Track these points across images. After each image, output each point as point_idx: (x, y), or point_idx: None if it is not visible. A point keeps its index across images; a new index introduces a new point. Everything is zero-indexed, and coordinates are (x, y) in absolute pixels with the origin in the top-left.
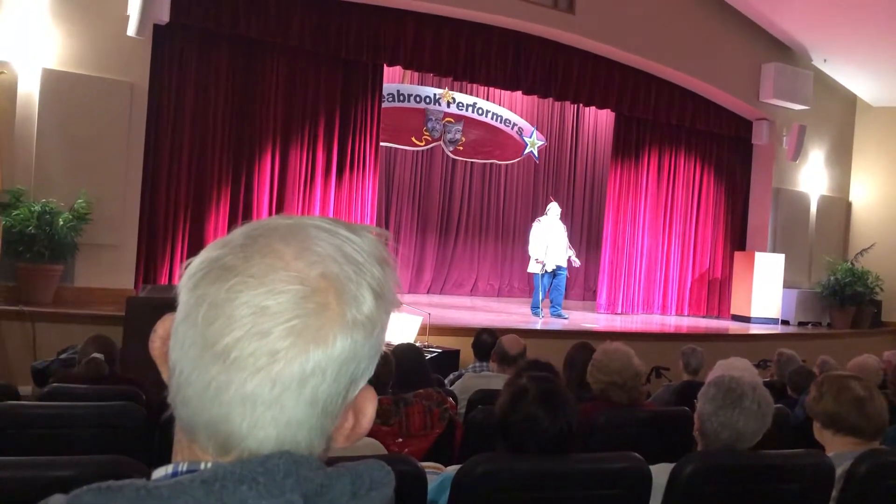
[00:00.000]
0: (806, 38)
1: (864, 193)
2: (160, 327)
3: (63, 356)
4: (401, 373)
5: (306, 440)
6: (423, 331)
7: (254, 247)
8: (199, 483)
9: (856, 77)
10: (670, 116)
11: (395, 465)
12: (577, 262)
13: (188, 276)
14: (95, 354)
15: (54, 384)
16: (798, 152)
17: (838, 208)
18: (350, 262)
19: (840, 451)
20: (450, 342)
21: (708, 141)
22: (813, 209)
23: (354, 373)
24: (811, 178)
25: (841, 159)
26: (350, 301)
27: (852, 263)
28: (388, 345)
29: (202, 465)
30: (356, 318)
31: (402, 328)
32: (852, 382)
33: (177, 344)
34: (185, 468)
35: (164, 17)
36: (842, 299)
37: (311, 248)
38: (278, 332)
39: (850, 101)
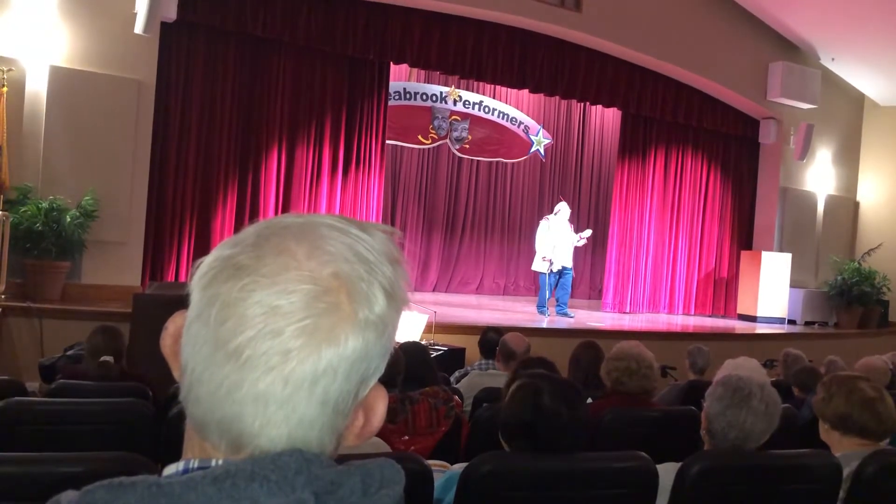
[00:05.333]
0: (813, 36)
1: (872, 193)
2: (171, 325)
3: (70, 352)
4: (406, 371)
5: (317, 439)
6: (428, 329)
7: (266, 246)
8: (210, 480)
9: (864, 76)
10: (677, 115)
11: (402, 464)
12: (583, 240)
13: (200, 275)
14: (105, 358)
15: (62, 380)
16: (805, 151)
17: (845, 208)
18: (362, 262)
19: (847, 451)
20: (455, 340)
21: (715, 140)
22: (820, 208)
23: (365, 372)
24: (818, 177)
25: (848, 159)
26: (362, 300)
27: (859, 263)
28: (395, 343)
29: (213, 463)
30: (368, 317)
31: (408, 326)
32: (861, 383)
33: (189, 342)
34: (196, 465)
35: (171, 14)
36: (849, 299)
37: (323, 247)
38: (290, 331)
39: (857, 101)
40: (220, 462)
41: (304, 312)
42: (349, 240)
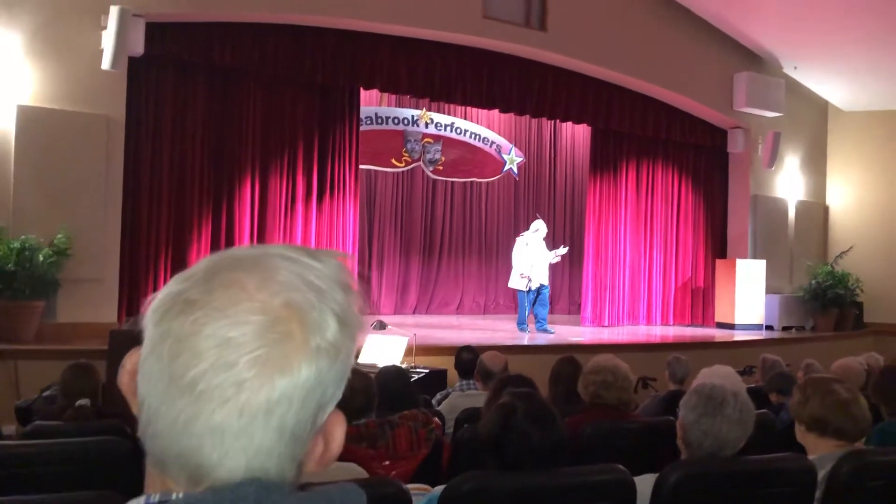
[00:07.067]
0: (775, 46)
1: (841, 197)
2: (128, 361)
3: (46, 393)
4: (386, 396)
5: (276, 467)
6: (409, 352)
7: (216, 279)
8: None
9: (826, 83)
10: (646, 129)
11: (380, 488)
12: (557, 258)
13: (152, 311)
14: (81, 401)
15: (37, 422)
16: (774, 159)
17: (816, 212)
18: (313, 290)
19: (823, 453)
20: (437, 362)
21: (684, 151)
22: (791, 214)
23: (321, 399)
24: (788, 183)
25: (816, 164)
26: (314, 328)
27: (832, 266)
28: (374, 366)
29: (174, 497)
30: (320, 345)
31: (389, 350)
32: (836, 385)
33: (144, 378)
34: (157, 499)
35: (138, 49)
36: (824, 302)
37: (273, 277)
38: (243, 362)
39: (821, 107)
40: (181, 496)
41: (257, 343)
42: (299, 268)
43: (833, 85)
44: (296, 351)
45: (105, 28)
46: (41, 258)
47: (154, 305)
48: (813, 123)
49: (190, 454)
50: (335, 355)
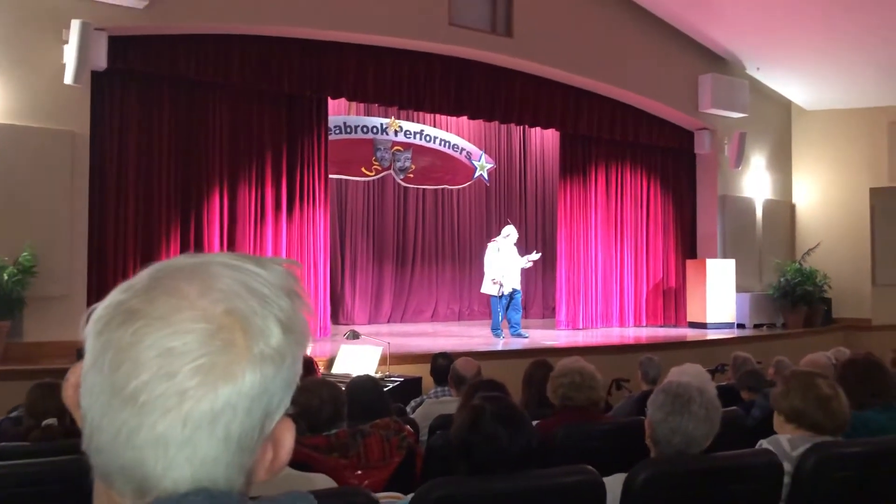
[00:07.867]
0: (738, 47)
1: (806, 194)
2: (72, 375)
3: (13, 414)
4: (358, 405)
5: (223, 477)
6: (383, 361)
7: (158, 289)
8: None
9: (788, 83)
10: (614, 132)
11: (350, 498)
12: (529, 263)
13: (93, 323)
14: (48, 421)
15: (1, 444)
16: (740, 159)
17: (783, 211)
18: (255, 296)
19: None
20: (411, 370)
21: (652, 154)
22: (759, 213)
23: (268, 406)
24: (755, 183)
25: (782, 163)
26: (257, 335)
27: (800, 263)
28: (347, 377)
29: None
30: (264, 351)
31: (363, 360)
32: (819, 380)
33: (86, 391)
34: None
35: (101, 63)
36: (793, 299)
37: (214, 285)
38: (186, 371)
39: (785, 107)
40: None
41: (199, 352)
42: (242, 276)
43: (796, 85)
44: (239, 358)
45: (67, 42)
46: (6, 277)
47: (95, 316)
48: (777, 123)
49: (134, 466)
50: (280, 362)
